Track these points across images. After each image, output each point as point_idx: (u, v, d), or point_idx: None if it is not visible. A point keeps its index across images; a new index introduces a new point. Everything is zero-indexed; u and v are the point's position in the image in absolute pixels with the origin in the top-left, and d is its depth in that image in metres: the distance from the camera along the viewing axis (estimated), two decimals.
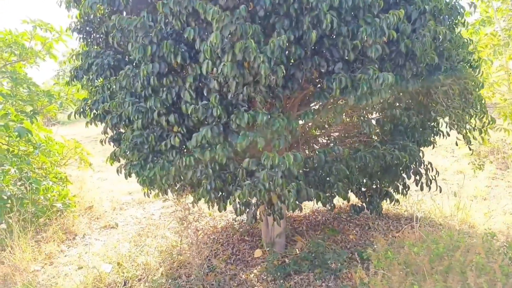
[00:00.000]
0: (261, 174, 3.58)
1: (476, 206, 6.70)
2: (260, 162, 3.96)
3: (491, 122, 4.40)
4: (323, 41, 3.79)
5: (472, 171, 7.94)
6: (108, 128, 5.05)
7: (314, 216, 6.61)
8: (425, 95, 4.40)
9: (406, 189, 4.70)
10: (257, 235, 5.98)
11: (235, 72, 3.22)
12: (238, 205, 4.08)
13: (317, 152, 4.11)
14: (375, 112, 5.10)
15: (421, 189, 4.61)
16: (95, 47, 5.71)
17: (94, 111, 5.13)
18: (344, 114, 4.99)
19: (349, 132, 5.77)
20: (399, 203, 5.70)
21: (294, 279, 4.65)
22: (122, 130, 5.19)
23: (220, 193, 4.20)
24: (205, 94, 3.97)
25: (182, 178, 4.32)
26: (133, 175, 4.79)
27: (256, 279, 4.78)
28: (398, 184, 4.82)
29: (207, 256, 5.28)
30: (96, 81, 5.40)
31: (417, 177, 4.61)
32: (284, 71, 3.37)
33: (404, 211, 6.60)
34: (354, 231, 5.92)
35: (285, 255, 5.18)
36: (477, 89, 4.25)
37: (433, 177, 4.67)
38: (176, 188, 5.29)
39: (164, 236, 6.26)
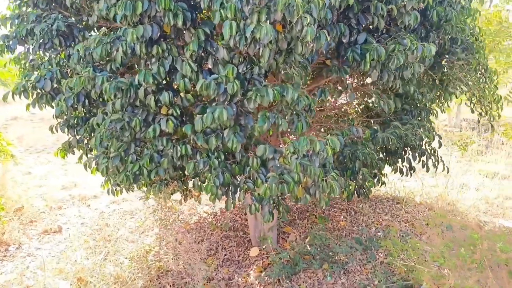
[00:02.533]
0: (292, 164, 2.94)
1: (442, 183, 6.81)
2: (277, 149, 3.34)
3: (502, 98, 4.31)
4: (352, 5, 3.22)
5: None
6: (61, 112, 3.97)
7: (292, 203, 6.16)
8: (437, 70, 4.11)
9: (412, 171, 4.44)
10: (239, 229, 5.35)
11: (272, 36, 2.50)
12: (252, 201, 3.41)
13: (336, 134, 3.59)
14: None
15: (427, 170, 4.39)
16: (33, 9, 4.48)
17: (39, 90, 3.99)
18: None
19: (335, 113, 5.38)
20: (385, 185, 5.49)
21: (301, 277, 4.15)
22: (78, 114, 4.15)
23: (227, 188, 3.48)
24: (210, 66, 3.19)
25: (175, 171, 3.51)
26: (102, 169, 3.81)
27: (257, 282, 4.18)
28: (401, 166, 4.54)
29: (190, 260, 4.53)
30: (37, 52, 4.22)
31: (423, 158, 4.36)
32: (328, 37, 2.75)
33: (384, 193, 6.47)
34: (342, 217, 5.60)
35: (280, 250, 4.65)
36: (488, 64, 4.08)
37: (440, 158, 4.47)
38: (148, 182, 4.40)
39: (132, 240, 5.31)
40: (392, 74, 3.51)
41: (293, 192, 3.04)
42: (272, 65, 3.00)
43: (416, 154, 4.40)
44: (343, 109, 5.50)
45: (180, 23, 2.93)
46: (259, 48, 2.74)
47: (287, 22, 2.61)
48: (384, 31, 3.62)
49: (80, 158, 4.48)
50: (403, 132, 3.73)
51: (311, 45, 2.72)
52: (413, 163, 4.46)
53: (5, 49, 4.24)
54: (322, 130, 4.80)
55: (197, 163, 3.32)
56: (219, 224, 5.49)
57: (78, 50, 3.61)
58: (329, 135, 3.04)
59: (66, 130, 4.15)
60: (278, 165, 3.28)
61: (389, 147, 3.78)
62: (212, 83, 2.91)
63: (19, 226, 6.04)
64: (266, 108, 3.24)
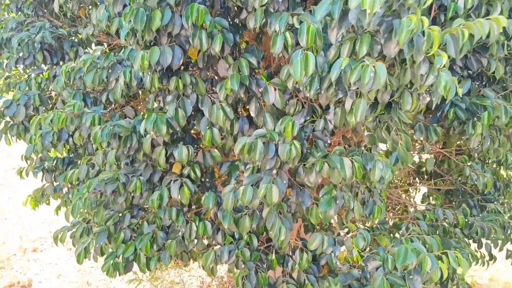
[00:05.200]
0: (376, 280, 1.86)
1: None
2: (338, 239, 2.27)
3: None
4: None
5: None
6: (34, 152, 2.96)
7: None
8: None
9: (492, 261, 3.37)
10: None
11: (383, 81, 1.48)
12: None
13: (416, 219, 2.54)
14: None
15: None
16: (14, 14, 3.55)
17: (8, 118, 3.00)
18: None
19: None
20: None
21: None
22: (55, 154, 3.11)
23: None
24: (252, 113, 2.16)
25: (188, 257, 2.43)
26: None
27: None
28: (474, 252, 3.47)
29: None
30: (13, 68, 3.24)
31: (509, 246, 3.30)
32: (460, 89, 1.74)
33: None
34: None
35: None
36: None
37: None
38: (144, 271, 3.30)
39: None
40: (497, 140, 2.51)
41: None
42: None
43: (499, 241, 3.32)
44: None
45: (217, 48, 1.91)
46: (343, 97, 1.72)
47: (397, 61, 1.59)
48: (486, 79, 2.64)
49: (58, 208, 3.43)
50: (508, 220, 2.68)
51: (428, 98, 1.69)
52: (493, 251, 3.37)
53: None
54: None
55: (221, 253, 2.24)
56: None
57: (66, 72, 2.60)
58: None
59: (40, 174, 3.11)
60: (338, 263, 2.22)
61: (488, 239, 2.72)
62: (259, 144, 1.87)
63: None
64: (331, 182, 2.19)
